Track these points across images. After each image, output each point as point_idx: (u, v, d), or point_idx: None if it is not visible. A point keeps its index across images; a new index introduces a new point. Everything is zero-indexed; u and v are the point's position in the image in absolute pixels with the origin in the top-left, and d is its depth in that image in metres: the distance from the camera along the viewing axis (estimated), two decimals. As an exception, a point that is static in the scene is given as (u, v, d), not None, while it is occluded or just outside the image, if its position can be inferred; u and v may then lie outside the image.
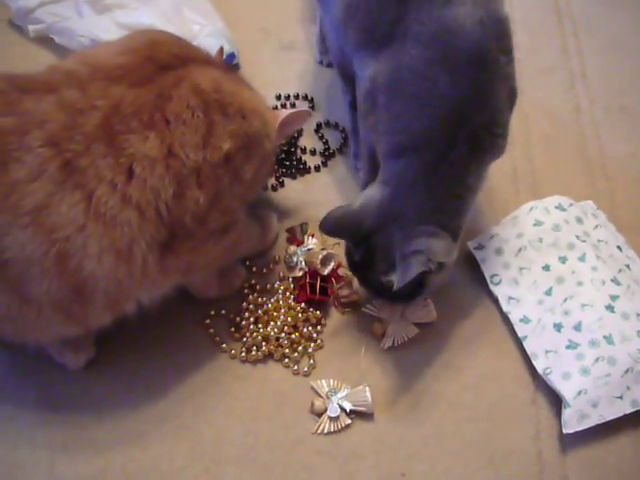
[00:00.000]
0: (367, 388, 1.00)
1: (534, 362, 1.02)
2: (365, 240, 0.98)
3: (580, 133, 1.33)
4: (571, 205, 1.14)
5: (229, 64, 1.36)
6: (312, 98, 1.35)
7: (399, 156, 0.98)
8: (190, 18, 1.37)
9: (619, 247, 1.11)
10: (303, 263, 1.09)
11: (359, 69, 1.06)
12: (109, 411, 1.00)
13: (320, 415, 0.99)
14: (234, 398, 1.01)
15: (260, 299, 1.08)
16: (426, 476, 0.96)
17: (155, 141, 0.84)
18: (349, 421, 0.99)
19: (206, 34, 1.35)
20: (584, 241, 1.09)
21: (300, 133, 1.30)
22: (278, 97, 1.35)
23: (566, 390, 0.97)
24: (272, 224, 1.15)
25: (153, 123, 0.85)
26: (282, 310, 1.06)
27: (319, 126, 1.31)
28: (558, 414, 0.99)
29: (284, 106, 1.34)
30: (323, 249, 1.09)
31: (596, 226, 1.12)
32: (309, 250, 1.09)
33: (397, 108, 0.98)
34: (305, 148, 1.28)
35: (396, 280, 0.93)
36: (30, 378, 1.02)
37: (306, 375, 1.03)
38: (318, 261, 1.06)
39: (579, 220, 1.12)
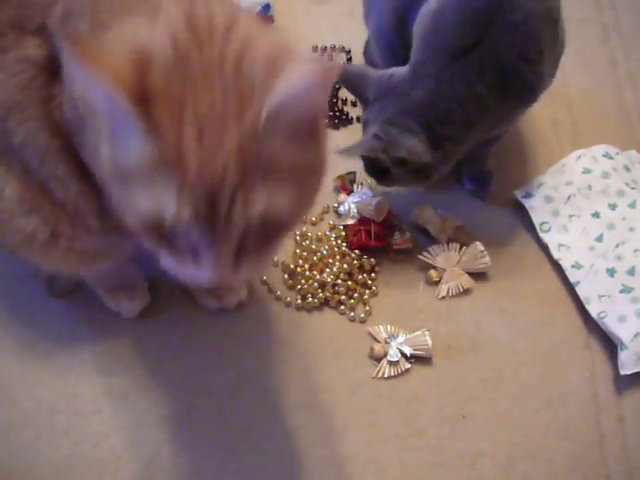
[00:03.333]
0: (427, 332, 1.00)
1: (587, 306, 1.03)
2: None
3: (617, 85, 1.33)
4: (617, 154, 1.15)
5: (264, 15, 1.34)
6: (349, 50, 1.34)
7: (426, 48, 0.98)
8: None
9: (668, 195, 1.12)
10: (355, 211, 1.08)
11: None
12: (166, 361, 0.99)
13: (379, 360, 1.00)
14: (292, 346, 1.01)
15: (313, 246, 1.08)
16: (486, 418, 0.97)
17: None
18: (409, 365, 0.99)
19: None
20: (633, 188, 1.10)
21: (339, 84, 1.28)
22: (315, 49, 1.33)
23: (623, 332, 0.99)
24: None
25: None
26: (336, 257, 1.06)
27: (358, 77, 1.30)
28: (611, 357, 1.01)
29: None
30: (374, 197, 1.09)
31: (645, 174, 1.13)
32: (360, 198, 1.09)
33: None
34: (346, 99, 1.27)
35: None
36: (85, 328, 1.01)
37: (362, 322, 1.03)
38: (372, 207, 1.06)
39: (627, 168, 1.13)
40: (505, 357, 1.02)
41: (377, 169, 1.01)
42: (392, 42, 1.10)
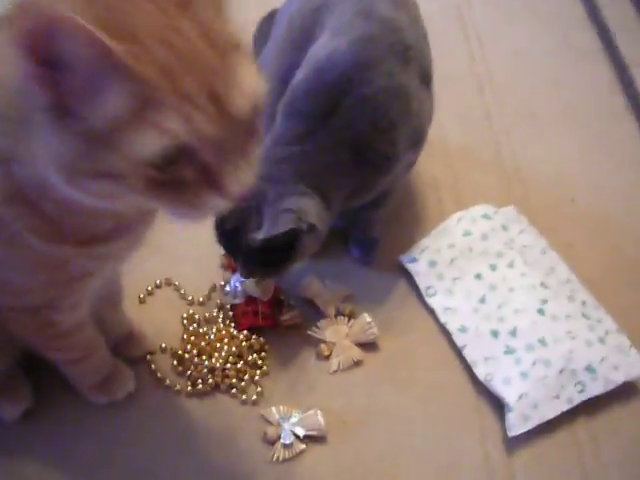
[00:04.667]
0: (318, 412, 1.00)
1: (475, 370, 1.06)
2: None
3: (494, 139, 1.39)
4: (495, 212, 1.19)
5: None
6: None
7: (288, 117, 1.00)
8: None
9: (543, 250, 1.16)
10: (241, 290, 1.07)
11: None
12: (54, 462, 0.95)
13: (274, 443, 0.99)
14: (184, 435, 0.99)
15: (201, 329, 1.06)
16: (383, 493, 0.98)
17: None
18: (303, 446, 0.99)
19: None
20: (511, 248, 1.14)
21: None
22: None
23: (508, 395, 1.01)
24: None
25: None
26: (225, 340, 1.05)
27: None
28: (501, 417, 1.03)
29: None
30: (260, 275, 1.08)
31: (520, 231, 1.17)
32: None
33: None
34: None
35: (262, 233, 0.93)
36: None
37: (255, 404, 1.02)
38: (258, 287, 1.05)
39: (504, 227, 1.17)
40: (399, 427, 1.03)
41: (270, 257, 0.97)
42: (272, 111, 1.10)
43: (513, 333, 1.06)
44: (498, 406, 1.04)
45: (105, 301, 0.94)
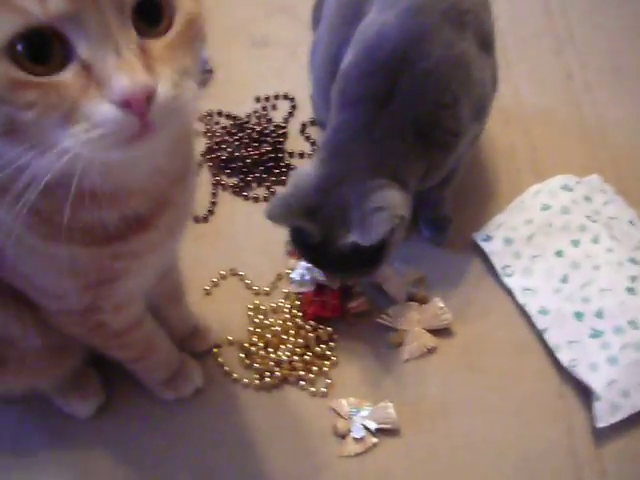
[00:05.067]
0: (390, 404, 0.96)
1: (557, 355, 0.98)
2: (316, 214, 0.90)
3: (575, 101, 1.28)
4: (577, 183, 1.10)
5: (203, 69, 1.29)
6: (293, 97, 1.29)
7: (344, 107, 0.94)
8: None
9: (631, 222, 1.06)
10: (308, 277, 1.04)
11: None
12: (124, 456, 0.96)
13: (344, 437, 0.95)
14: (254, 429, 0.97)
15: (266, 321, 1.04)
16: (461, 487, 0.93)
17: None
18: (375, 440, 0.95)
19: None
20: (595, 221, 1.05)
21: (285, 136, 1.24)
22: (257, 99, 1.29)
23: (595, 382, 0.94)
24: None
25: None
26: (291, 331, 1.02)
27: (304, 126, 1.25)
28: (587, 406, 0.96)
29: (265, 109, 1.27)
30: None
31: (605, 202, 1.08)
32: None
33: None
34: (292, 152, 1.22)
35: (363, 239, 0.87)
36: (43, 425, 0.97)
37: (324, 396, 0.99)
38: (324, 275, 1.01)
39: (587, 199, 1.08)
40: (476, 418, 0.97)
41: (362, 259, 0.91)
42: (328, 95, 1.05)
43: (599, 315, 0.98)
44: (585, 393, 0.97)
45: (165, 297, 0.93)
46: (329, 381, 0.99)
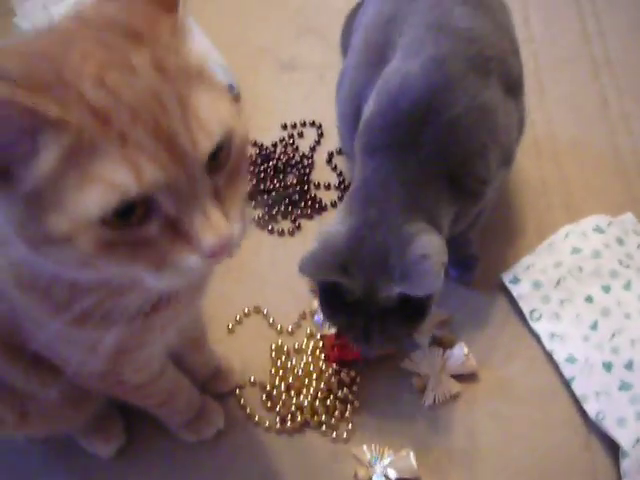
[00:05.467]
0: (411, 453, 0.95)
1: (584, 406, 0.96)
2: (351, 268, 0.85)
3: (611, 130, 1.24)
4: (610, 224, 1.06)
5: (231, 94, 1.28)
6: (320, 124, 1.27)
7: (371, 154, 0.91)
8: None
9: (666, 264, 1.03)
10: (330, 320, 1.03)
11: None
12: (148, 499, 0.97)
13: (366, 485, 0.95)
14: (275, 473, 0.97)
15: (289, 363, 1.03)
16: (483, 541, 0.92)
17: None
18: (396, 490, 0.95)
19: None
20: (628, 266, 1.02)
21: (311, 166, 1.22)
22: (284, 127, 1.27)
23: (623, 438, 0.92)
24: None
25: None
26: (314, 374, 1.01)
27: (331, 156, 1.23)
28: (615, 459, 0.94)
29: (291, 136, 1.26)
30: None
31: (639, 245, 1.05)
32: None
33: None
34: (319, 183, 1.20)
35: (411, 289, 0.83)
36: (68, 463, 0.98)
37: (346, 442, 0.98)
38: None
39: (620, 241, 1.05)
40: (501, 467, 0.96)
41: (410, 310, 0.87)
42: (352, 128, 1.03)
43: (629, 367, 0.95)
44: (612, 447, 0.95)
45: (187, 346, 0.93)
46: (350, 426, 0.99)
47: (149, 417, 0.96)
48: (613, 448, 0.95)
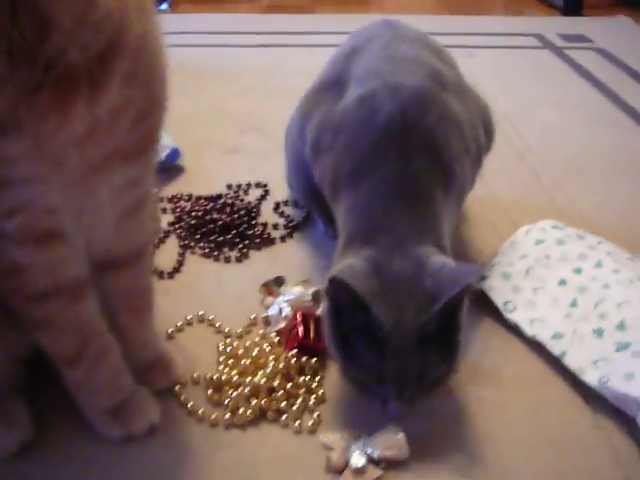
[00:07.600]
0: (398, 429, 0.78)
1: (583, 377, 0.85)
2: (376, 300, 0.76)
3: (546, 191, 1.30)
4: (566, 226, 1.05)
5: (172, 162, 1.28)
6: (266, 184, 1.26)
7: (358, 183, 0.88)
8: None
9: (630, 258, 1.00)
10: (288, 309, 0.91)
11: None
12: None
13: (341, 472, 0.75)
14: (225, 474, 0.76)
15: (240, 351, 0.88)
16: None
17: None
18: (380, 472, 0.75)
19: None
20: (595, 249, 0.98)
21: (258, 213, 1.18)
22: (229, 187, 1.25)
23: (635, 390, 0.79)
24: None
25: None
26: (270, 357, 0.86)
27: (277, 205, 1.21)
28: (631, 432, 0.80)
29: (237, 191, 1.24)
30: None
31: (599, 242, 1.02)
32: (292, 295, 0.93)
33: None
34: (266, 223, 1.16)
35: (449, 290, 0.74)
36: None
37: (312, 432, 0.80)
38: (309, 298, 0.89)
39: (580, 237, 1.02)
40: (501, 448, 0.79)
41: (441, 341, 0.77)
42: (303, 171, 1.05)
43: (621, 327, 0.86)
44: (622, 421, 0.81)
45: (123, 298, 0.79)
46: (316, 417, 0.81)
47: (63, 413, 0.78)
48: (623, 423, 0.81)
